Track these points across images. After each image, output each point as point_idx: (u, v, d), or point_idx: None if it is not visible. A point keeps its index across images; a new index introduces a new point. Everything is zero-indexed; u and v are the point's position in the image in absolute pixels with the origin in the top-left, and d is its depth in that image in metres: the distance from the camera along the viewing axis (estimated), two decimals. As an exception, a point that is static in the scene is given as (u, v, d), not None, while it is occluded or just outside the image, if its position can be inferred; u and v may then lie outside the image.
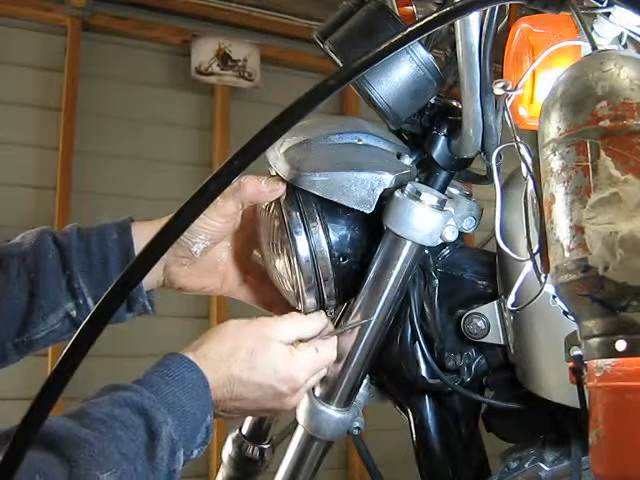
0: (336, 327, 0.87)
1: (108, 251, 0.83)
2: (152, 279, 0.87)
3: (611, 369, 0.52)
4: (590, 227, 0.52)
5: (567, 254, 0.53)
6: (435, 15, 0.55)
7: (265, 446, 1.04)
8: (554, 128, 0.56)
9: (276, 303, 0.94)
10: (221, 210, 0.84)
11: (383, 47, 0.55)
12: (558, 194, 0.55)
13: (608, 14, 0.67)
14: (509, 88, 0.69)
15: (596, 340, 0.53)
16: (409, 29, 0.56)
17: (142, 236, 0.84)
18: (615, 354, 0.51)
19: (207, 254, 0.88)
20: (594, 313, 0.53)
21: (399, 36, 0.55)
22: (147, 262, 0.48)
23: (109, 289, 0.47)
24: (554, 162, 0.55)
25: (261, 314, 0.98)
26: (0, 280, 0.79)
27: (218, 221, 0.84)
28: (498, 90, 0.69)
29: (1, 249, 0.82)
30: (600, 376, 0.52)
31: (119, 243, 0.84)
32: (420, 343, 0.88)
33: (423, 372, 0.89)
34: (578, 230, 0.53)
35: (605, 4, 0.66)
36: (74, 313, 0.82)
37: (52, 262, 0.81)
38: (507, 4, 0.79)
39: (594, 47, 0.62)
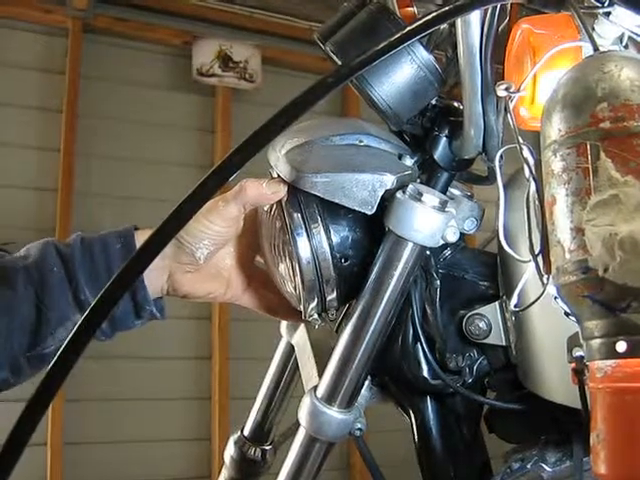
0: (337, 329, 0.87)
1: (112, 261, 0.83)
2: (157, 287, 0.87)
3: (611, 370, 0.52)
4: (590, 229, 0.52)
5: (568, 255, 0.53)
6: (434, 15, 0.55)
7: (267, 447, 1.04)
8: (555, 130, 0.56)
9: (280, 309, 0.94)
10: (223, 214, 0.84)
11: (382, 46, 0.55)
12: (559, 196, 0.55)
13: (608, 14, 0.67)
14: (512, 90, 0.69)
15: (597, 341, 0.53)
16: (408, 28, 0.56)
17: None
18: (615, 355, 0.51)
19: (210, 260, 0.88)
20: (595, 314, 0.53)
21: (398, 35, 0.56)
22: (147, 258, 0.48)
23: (105, 287, 0.47)
24: (555, 164, 0.55)
25: (263, 318, 0.98)
26: (8, 295, 0.79)
27: (220, 225, 0.84)
28: (501, 92, 0.70)
29: (6, 263, 0.82)
30: (601, 377, 0.52)
31: (122, 252, 0.83)
32: (422, 344, 0.88)
33: (425, 373, 0.89)
34: (578, 232, 0.53)
35: (606, 4, 0.66)
36: None
37: (57, 275, 0.81)
38: (507, 4, 0.79)
39: (595, 48, 0.62)
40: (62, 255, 0.82)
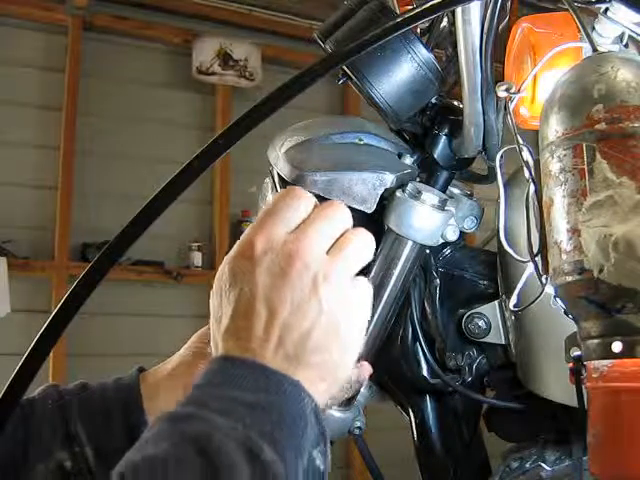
0: None
1: (110, 400, 0.74)
2: None
3: (608, 370, 0.52)
4: (585, 230, 0.52)
5: (564, 256, 0.54)
6: (426, 6, 0.55)
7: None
8: (552, 131, 0.56)
9: None
10: None
11: (370, 35, 0.55)
12: (556, 197, 0.55)
13: (606, 10, 0.67)
14: (512, 90, 0.69)
15: (593, 341, 0.53)
16: (397, 19, 0.56)
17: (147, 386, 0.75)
18: (612, 355, 0.52)
19: None
20: (591, 315, 0.53)
21: (388, 25, 0.56)
22: (133, 233, 0.50)
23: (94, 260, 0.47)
24: (552, 165, 0.56)
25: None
26: None
27: None
28: (501, 93, 0.70)
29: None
30: (597, 377, 0.53)
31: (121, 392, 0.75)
32: (421, 343, 0.88)
33: (424, 372, 0.89)
34: (574, 233, 0.53)
35: (605, -1, 0.66)
36: (68, 464, 0.70)
37: (48, 406, 0.73)
38: (508, 3, 0.79)
39: (594, 48, 0.62)
40: (59, 391, 0.74)
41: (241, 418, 0.48)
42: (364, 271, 0.83)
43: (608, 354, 0.52)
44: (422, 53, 0.78)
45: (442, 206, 0.81)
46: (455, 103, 0.86)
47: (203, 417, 0.47)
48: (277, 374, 0.52)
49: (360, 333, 0.57)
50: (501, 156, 0.73)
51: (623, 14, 0.67)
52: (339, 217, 0.60)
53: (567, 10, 0.67)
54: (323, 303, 0.54)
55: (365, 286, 0.58)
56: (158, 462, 0.44)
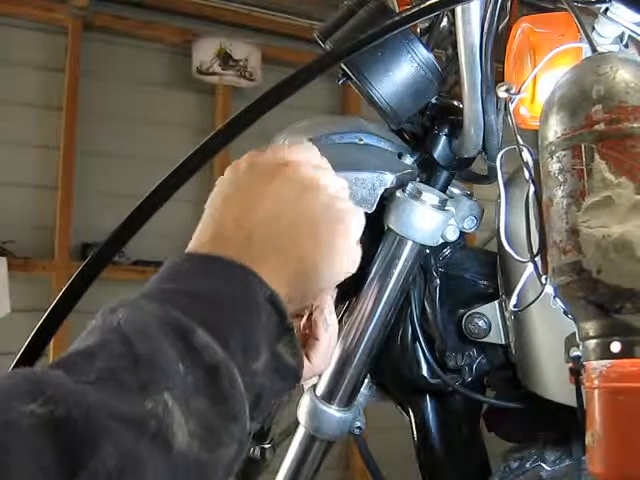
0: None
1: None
2: None
3: (606, 370, 0.52)
4: (584, 230, 0.52)
5: (563, 257, 0.54)
6: (423, 5, 0.55)
7: (266, 446, 1.04)
8: (552, 132, 0.56)
9: None
10: None
11: (368, 33, 0.55)
12: (555, 197, 0.55)
13: (606, 10, 0.67)
14: (512, 91, 0.69)
15: (592, 342, 0.53)
16: (395, 18, 0.56)
17: None
18: (610, 356, 0.52)
19: None
20: (590, 315, 0.53)
21: (385, 24, 0.56)
22: (134, 224, 0.50)
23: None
24: (552, 165, 0.56)
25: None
26: None
27: None
28: (502, 93, 0.70)
29: None
30: (596, 377, 0.53)
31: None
32: (421, 343, 0.88)
33: (424, 372, 0.89)
34: (573, 233, 0.53)
35: (605, -1, 0.66)
36: None
37: None
38: (508, 3, 0.79)
39: (593, 49, 0.62)
40: None
41: (172, 301, 0.44)
42: (364, 271, 0.84)
43: (607, 354, 0.52)
44: (422, 53, 0.78)
45: (442, 206, 0.81)
46: (455, 103, 0.86)
47: (132, 305, 0.45)
48: (224, 261, 0.48)
49: (337, 250, 0.56)
50: (501, 156, 0.73)
51: (623, 14, 0.67)
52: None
53: (567, 10, 0.67)
54: (299, 197, 0.55)
55: (356, 212, 0.58)
56: (81, 354, 0.41)
